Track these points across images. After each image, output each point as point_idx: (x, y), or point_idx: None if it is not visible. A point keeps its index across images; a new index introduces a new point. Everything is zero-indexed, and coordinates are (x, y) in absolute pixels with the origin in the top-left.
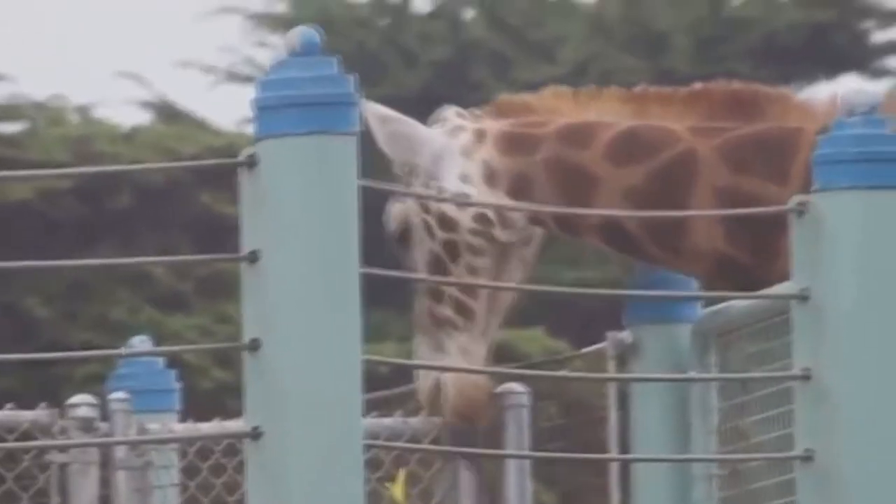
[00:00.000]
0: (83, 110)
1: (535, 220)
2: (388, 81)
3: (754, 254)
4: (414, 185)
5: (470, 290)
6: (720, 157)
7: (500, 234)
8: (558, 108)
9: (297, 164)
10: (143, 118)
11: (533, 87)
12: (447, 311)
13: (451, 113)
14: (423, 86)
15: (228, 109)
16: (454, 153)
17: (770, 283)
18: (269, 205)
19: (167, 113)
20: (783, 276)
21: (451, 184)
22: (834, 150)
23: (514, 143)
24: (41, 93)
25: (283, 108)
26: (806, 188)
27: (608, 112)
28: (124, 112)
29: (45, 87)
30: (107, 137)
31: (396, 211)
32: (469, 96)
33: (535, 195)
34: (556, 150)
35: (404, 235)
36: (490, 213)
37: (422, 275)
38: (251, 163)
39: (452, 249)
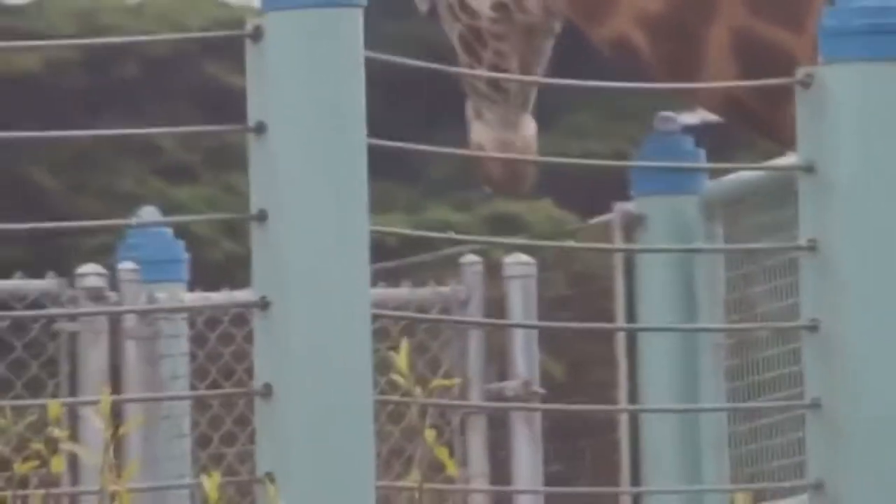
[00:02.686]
0: None
1: (549, 10)
2: None
3: (764, 99)
4: None
5: (502, 70)
6: None
7: (519, 16)
8: None
9: (303, 35)
10: None
11: None
12: (483, 88)
13: None
14: None
15: None
16: None
17: (779, 129)
18: (274, 76)
19: None
20: (793, 123)
21: None
22: (840, 22)
23: None
24: None
25: None
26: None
27: None
28: None
29: None
30: (113, 10)
31: None
32: None
33: None
34: None
35: (435, 11)
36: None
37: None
38: (256, 35)
39: (478, 35)
